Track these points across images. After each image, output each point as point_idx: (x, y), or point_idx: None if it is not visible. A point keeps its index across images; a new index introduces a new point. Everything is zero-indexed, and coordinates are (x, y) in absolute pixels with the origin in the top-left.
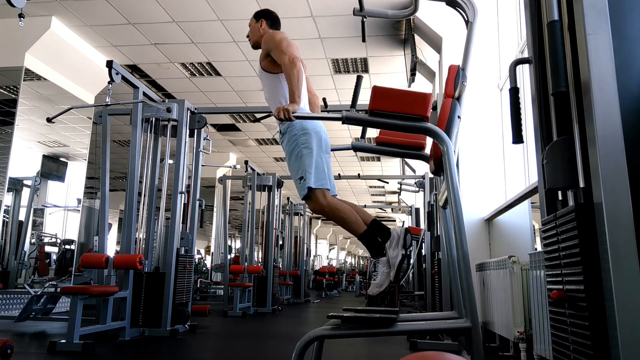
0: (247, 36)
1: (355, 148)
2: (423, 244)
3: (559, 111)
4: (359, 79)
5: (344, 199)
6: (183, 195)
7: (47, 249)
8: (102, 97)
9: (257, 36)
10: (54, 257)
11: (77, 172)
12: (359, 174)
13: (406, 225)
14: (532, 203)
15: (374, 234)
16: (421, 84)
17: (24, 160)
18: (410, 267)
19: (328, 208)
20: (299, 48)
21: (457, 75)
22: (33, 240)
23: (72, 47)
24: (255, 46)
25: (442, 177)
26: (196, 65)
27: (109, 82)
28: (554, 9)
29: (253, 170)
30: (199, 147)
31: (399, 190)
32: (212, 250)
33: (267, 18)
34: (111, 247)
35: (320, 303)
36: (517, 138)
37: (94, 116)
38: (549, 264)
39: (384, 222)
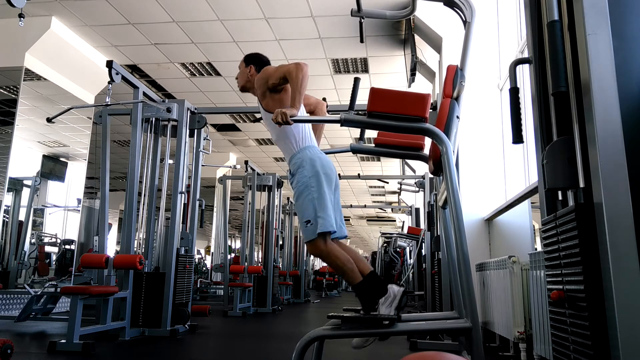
0: (236, 78)
1: (354, 150)
2: (423, 244)
3: (559, 111)
4: (356, 81)
5: (347, 247)
6: (183, 195)
7: (47, 249)
8: (102, 97)
9: (244, 80)
10: (54, 257)
11: (77, 172)
12: (359, 174)
13: (403, 289)
14: (532, 203)
15: (369, 286)
16: (421, 84)
17: (24, 160)
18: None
19: (326, 254)
20: (299, 48)
21: (455, 75)
22: (33, 240)
23: (72, 47)
24: (243, 89)
25: (441, 177)
26: (196, 65)
27: (109, 82)
28: (554, 9)
29: (253, 170)
30: (199, 147)
31: (399, 190)
32: (212, 250)
33: (257, 64)
34: (111, 247)
35: (320, 303)
36: (517, 138)
37: (94, 116)
38: (549, 264)
39: (384, 222)
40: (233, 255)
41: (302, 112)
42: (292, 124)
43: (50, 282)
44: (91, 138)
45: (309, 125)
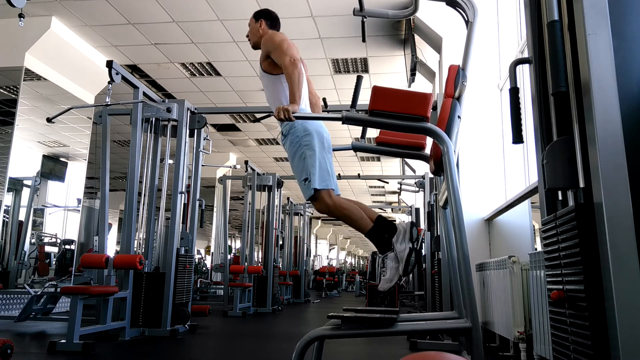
0: (247, 36)
1: (356, 148)
2: (423, 244)
3: (559, 111)
4: (359, 79)
5: (348, 198)
6: (183, 195)
7: (47, 249)
8: (102, 97)
9: (257, 37)
10: (54, 257)
11: (77, 172)
12: (359, 174)
13: (410, 221)
14: (532, 203)
15: (380, 230)
16: (421, 84)
17: (24, 160)
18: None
19: (334, 207)
20: (299, 48)
21: (457, 75)
22: (33, 240)
23: (72, 47)
24: (255, 46)
25: (442, 177)
26: (196, 65)
27: (109, 82)
28: (554, 9)
29: (253, 170)
30: (199, 147)
31: (399, 190)
32: (212, 250)
33: (267, 18)
34: (111, 247)
35: (320, 303)
36: (517, 138)
37: (94, 116)
38: (549, 264)
39: None
40: (233, 255)
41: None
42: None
43: (50, 282)
44: (91, 138)
45: (305, 89)
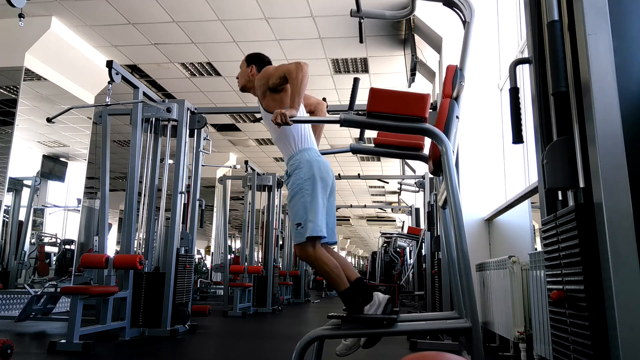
0: (237, 77)
1: (354, 150)
2: (423, 244)
3: (559, 111)
4: (355, 82)
5: (335, 253)
6: (183, 195)
7: (47, 249)
8: (102, 97)
9: (245, 80)
10: (54, 257)
11: (77, 172)
12: (359, 174)
13: (388, 297)
14: (532, 203)
15: (355, 293)
16: (421, 84)
17: (24, 160)
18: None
19: (314, 259)
20: (299, 48)
21: (455, 76)
22: (33, 240)
23: (72, 47)
24: (243, 89)
25: (441, 177)
26: (196, 65)
27: (109, 82)
28: (554, 9)
29: (253, 170)
30: (199, 147)
31: (399, 190)
32: (212, 250)
33: (258, 64)
34: (111, 247)
35: (320, 303)
36: (517, 138)
37: (94, 116)
38: (549, 264)
39: (384, 222)
40: (233, 255)
41: (302, 113)
42: (291, 125)
43: (50, 282)
44: (91, 138)
45: (309, 126)
